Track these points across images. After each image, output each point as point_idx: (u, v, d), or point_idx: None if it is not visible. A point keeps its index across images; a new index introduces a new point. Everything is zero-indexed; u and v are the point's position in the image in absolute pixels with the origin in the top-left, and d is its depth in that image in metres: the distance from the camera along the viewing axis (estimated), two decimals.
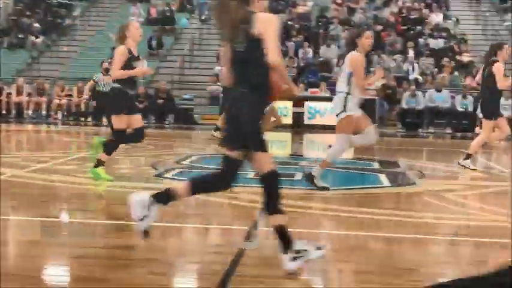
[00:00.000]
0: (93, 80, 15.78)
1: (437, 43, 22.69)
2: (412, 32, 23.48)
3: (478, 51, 21.29)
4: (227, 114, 4.13)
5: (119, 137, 7.52)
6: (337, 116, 7.14)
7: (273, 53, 3.88)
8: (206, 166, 9.26)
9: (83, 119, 19.62)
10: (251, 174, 8.80)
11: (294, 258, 3.93)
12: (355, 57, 7.04)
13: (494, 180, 8.72)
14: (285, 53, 21.78)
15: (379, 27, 23.61)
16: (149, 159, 9.99)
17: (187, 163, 9.63)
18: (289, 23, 24.43)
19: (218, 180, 4.11)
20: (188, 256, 4.46)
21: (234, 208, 6.36)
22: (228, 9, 3.93)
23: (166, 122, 19.61)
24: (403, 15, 24.71)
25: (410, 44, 22.11)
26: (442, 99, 18.71)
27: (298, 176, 8.69)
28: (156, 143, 12.56)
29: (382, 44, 22.31)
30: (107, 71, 14.67)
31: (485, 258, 4.71)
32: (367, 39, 7.10)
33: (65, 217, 5.91)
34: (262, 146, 3.98)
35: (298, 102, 17.30)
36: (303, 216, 6.05)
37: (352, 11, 24.89)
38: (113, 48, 21.78)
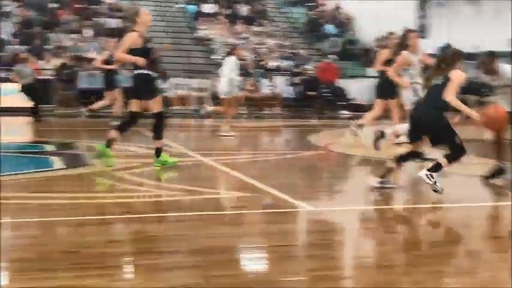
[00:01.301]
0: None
1: (114, 23, 22.83)
2: (88, 10, 23.25)
3: (154, 32, 21.94)
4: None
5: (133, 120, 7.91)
6: None
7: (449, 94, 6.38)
8: None
9: None
10: None
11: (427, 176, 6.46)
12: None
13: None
14: None
15: (55, 5, 22.91)
16: None
17: None
18: None
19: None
20: None
21: None
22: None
23: None
24: None
25: (87, 22, 21.89)
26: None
27: None
28: None
29: (58, 22, 21.71)
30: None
31: (156, 234, 4.84)
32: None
33: None
34: None
35: None
36: None
37: None
38: None
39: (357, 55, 23.53)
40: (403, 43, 9.37)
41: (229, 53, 12.72)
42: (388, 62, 10.22)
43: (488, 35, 19.64)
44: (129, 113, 7.98)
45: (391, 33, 11.05)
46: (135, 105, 7.88)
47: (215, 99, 19.34)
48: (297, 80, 20.21)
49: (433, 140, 6.83)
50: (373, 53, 23.66)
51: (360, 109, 19.78)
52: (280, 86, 20.24)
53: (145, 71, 7.78)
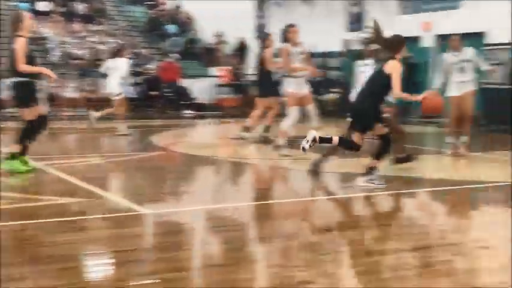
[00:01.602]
0: None
1: None
2: None
3: None
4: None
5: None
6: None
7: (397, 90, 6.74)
8: None
9: None
10: None
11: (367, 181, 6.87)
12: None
13: None
14: None
15: None
16: None
17: None
18: None
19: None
20: None
21: None
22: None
23: None
24: None
25: None
26: None
27: None
28: None
29: None
30: None
31: None
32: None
33: None
34: None
35: None
36: None
37: None
38: None
39: (199, 54, 23.74)
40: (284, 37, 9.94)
41: (115, 54, 13.16)
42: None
43: (323, 35, 20.78)
44: (28, 122, 7.59)
45: (269, 34, 12.01)
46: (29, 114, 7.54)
47: (51, 100, 18.59)
48: (138, 79, 19.95)
49: (362, 128, 6.97)
50: (214, 51, 24.24)
51: (202, 108, 20.09)
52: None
53: (28, 79, 7.45)
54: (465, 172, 8.85)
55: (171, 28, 24.62)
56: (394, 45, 6.93)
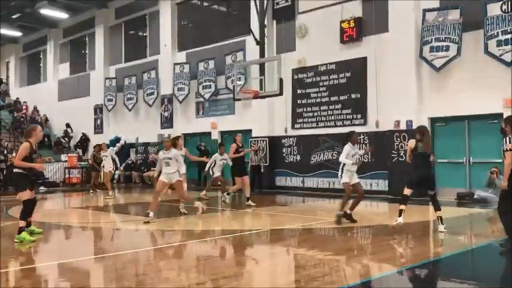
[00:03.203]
0: None
1: None
2: None
3: None
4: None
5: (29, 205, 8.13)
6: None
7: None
8: None
9: None
10: None
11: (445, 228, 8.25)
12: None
13: None
14: None
15: None
16: None
17: None
18: None
19: None
20: None
21: None
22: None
23: None
24: None
25: None
26: None
27: None
28: None
29: None
30: None
31: None
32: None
33: None
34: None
35: None
36: None
37: None
38: None
39: (51, 145, 25.76)
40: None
41: None
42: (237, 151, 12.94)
43: (145, 131, 23.46)
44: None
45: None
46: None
47: None
48: (3, 165, 20.76)
49: (431, 187, 8.63)
50: (63, 143, 25.84)
51: (53, 185, 21.25)
52: None
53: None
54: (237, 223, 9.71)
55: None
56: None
